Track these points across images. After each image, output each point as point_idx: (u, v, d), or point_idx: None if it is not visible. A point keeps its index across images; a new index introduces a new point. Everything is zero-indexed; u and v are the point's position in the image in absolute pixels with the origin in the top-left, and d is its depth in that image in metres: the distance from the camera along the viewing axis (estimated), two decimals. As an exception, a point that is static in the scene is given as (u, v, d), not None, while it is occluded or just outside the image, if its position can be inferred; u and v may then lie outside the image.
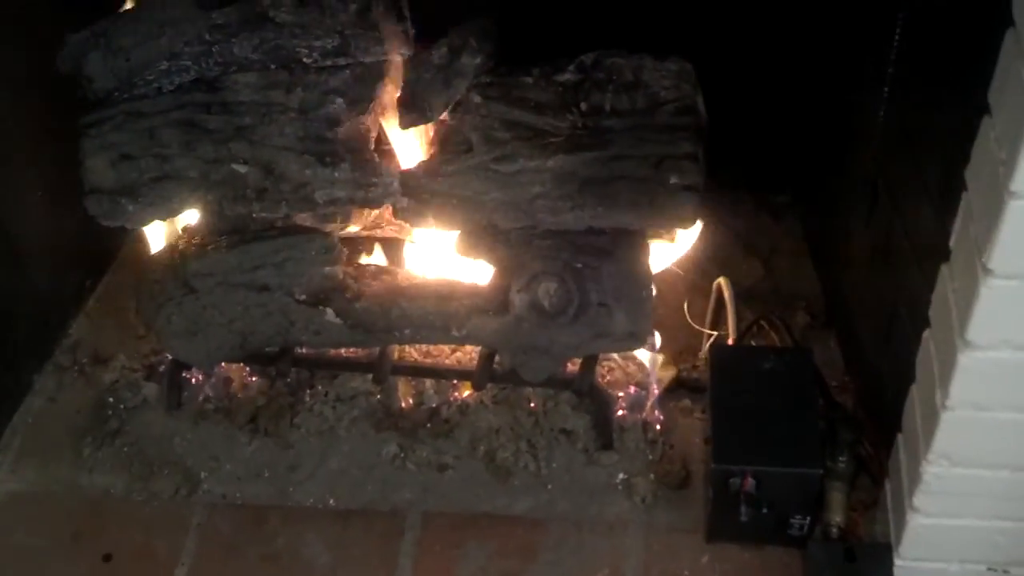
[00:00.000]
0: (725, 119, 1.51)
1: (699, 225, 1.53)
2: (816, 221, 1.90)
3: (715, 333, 1.69)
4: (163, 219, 1.50)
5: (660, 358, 1.64)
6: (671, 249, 1.61)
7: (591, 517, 1.54)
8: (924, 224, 1.26)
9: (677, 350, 1.73)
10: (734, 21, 1.68)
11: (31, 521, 1.54)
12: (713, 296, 1.72)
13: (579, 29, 1.53)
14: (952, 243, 1.15)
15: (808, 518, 1.43)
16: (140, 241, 1.79)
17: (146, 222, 1.50)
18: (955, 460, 1.24)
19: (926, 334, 1.25)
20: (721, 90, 1.50)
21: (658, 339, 1.64)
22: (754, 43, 1.73)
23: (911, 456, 1.32)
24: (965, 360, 1.13)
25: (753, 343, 1.70)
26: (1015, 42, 0.97)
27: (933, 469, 1.25)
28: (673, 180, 1.40)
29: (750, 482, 1.38)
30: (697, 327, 1.73)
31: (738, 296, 1.69)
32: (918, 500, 1.30)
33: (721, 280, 1.70)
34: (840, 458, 1.46)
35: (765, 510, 1.40)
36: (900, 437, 1.37)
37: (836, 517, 1.45)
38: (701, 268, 1.83)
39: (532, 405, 1.64)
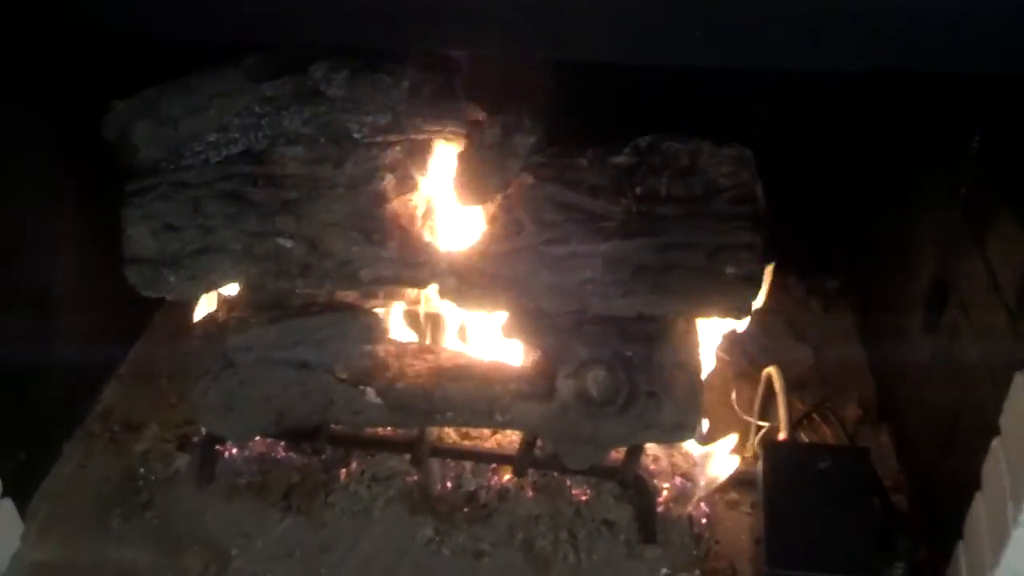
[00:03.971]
0: (775, 200, 1.47)
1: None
2: (870, 312, 1.85)
3: (765, 424, 1.63)
4: (204, 292, 1.48)
5: (713, 452, 1.58)
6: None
7: (632, 613, 1.48)
8: (996, 329, 1.21)
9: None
10: (793, 105, 1.64)
11: (56, 594, 1.50)
12: (762, 385, 1.67)
13: (635, 111, 1.50)
14: (1029, 351, 1.10)
15: (862, 627, 1.37)
16: (175, 309, 1.78)
17: (187, 294, 1.47)
18: (1026, 578, 1.18)
19: (995, 442, 1.19)
20: (770, 169, 1.46)
21: (706, 426, 1.59)
22: (812, 125, 1.70)
23: (974, 568, 1.26)
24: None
25: (804, 435, 1.65)
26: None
27: (1000, 585, 1.20)
28: (729, 270, 1.36)
29: (804, 588, 1.32)
30: (746, 417, 1.68)
31: (787, 385, 1.64)
32: (983, 615, 1.24)
33: (772, 369, 1.65)
34: (897, 564, 1.40)
35: (818, 616, 1.35)
36: (961, 545, 1.31)
37: (891, 627, 1.39)
38: (749, 355, 1.78)
39: (574, 494, 1.59)
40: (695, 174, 1.40)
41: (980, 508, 1.25)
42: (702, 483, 1.57)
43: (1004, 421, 1.18)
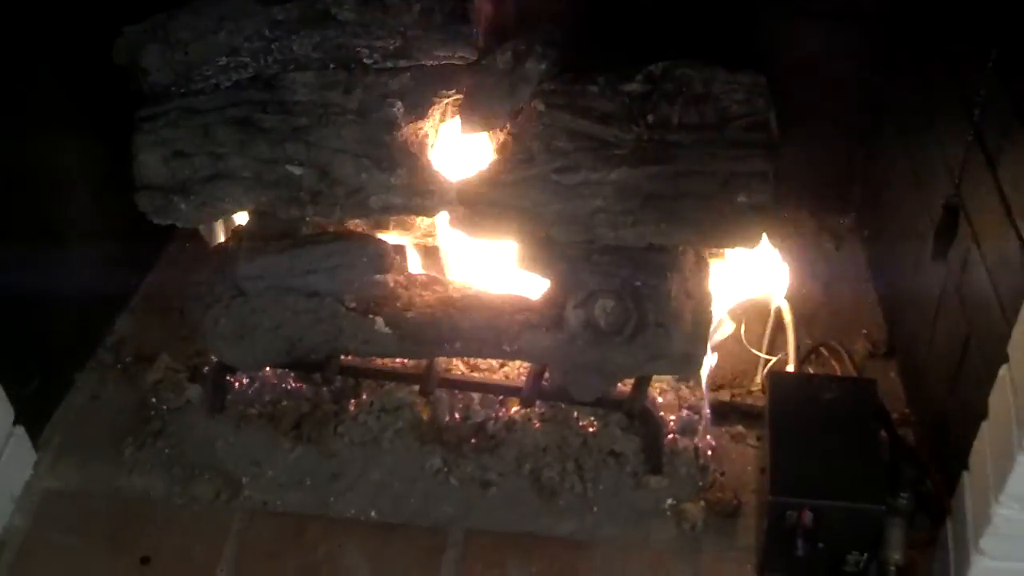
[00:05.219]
0: (786, 135, 1.46)
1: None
2: (880, 246, 1.84)
3: (773, 358, 1.63)
4: (215, 219, 1.48)
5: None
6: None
7: (637, 542, 1.49)
8: (1008, 256, 1.20)
9: (731, 374, 1.69)
10: (801, 33, 1.62)
11: (68, 520, 1.52)
12: (771, 320, 1.67)
13: (648, 37, 1.48)
14: (1040, 277, 1.10)
15: (866, 555, 1.38)
16: (187, 239, 1.78)
17: (198, 221, 1.47)
18: (1030, 504, 1.18)
19: (1003, 371, 1.19)
20: (783, 104, 1.45)
21: (714, 360, 1.60)
22: (819, 55, 1.68)
23: (979, 496, 1.26)
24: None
25: (812, 371, 1.65)
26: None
27: (1004, 511, 1.20)
28: (741, 199, 1.35)
29: (808, 516, 1.33)
30: (754, 351, 1.68)
31: (796, 321, 1.64)
32: (985, 543, 1.24)
33: (781, 304, 1.64)
34: (902, 494, 1.40)
35: (822, 545, 1.35)
36: (966, 475, 1.31)
37: (895, 555, 1.39)
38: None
39: (581, 425, 1.60)
40: (709, 101, 1.39)
41: (986, 437, 1.25)
42: (707, 414, 1.57)
43: (1012, 348, 1.17)
